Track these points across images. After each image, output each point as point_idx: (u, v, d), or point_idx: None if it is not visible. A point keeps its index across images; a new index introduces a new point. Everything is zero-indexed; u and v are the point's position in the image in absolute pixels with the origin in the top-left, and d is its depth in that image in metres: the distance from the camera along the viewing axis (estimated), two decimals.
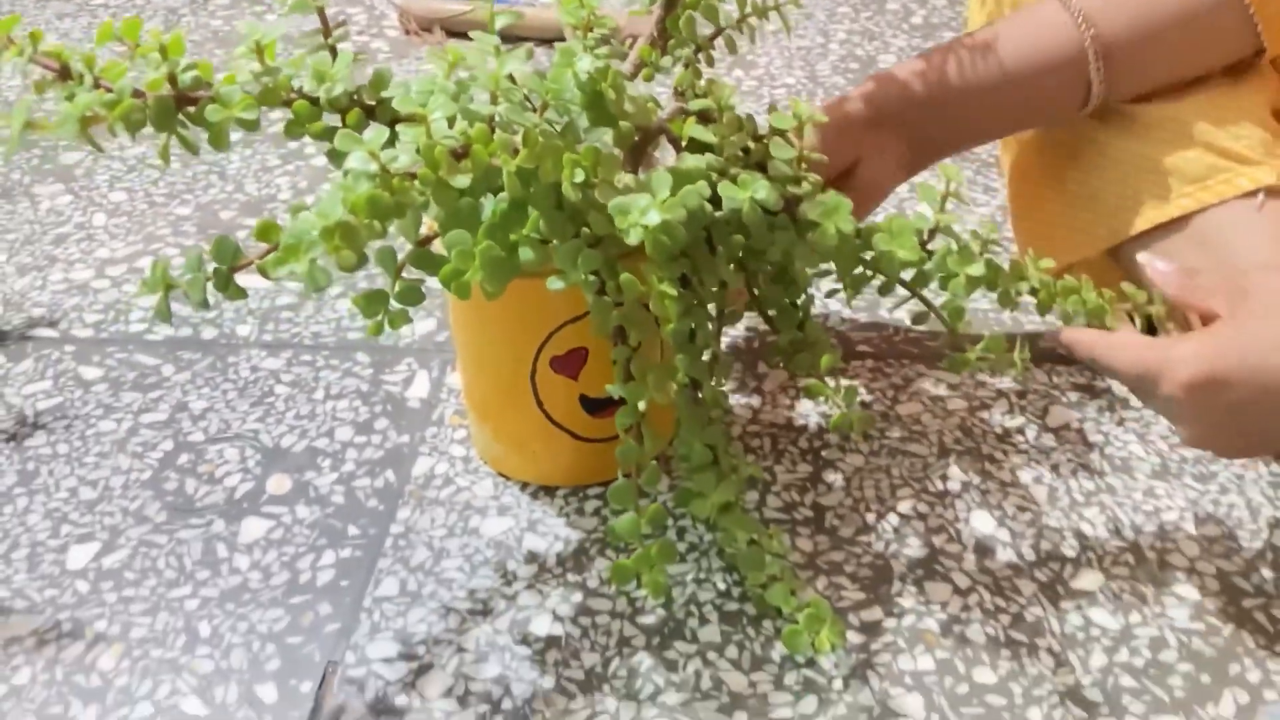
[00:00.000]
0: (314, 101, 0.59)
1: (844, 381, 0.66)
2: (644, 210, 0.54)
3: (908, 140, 0.79)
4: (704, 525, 0.74)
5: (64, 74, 0.56)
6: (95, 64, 0.56)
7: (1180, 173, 0.76)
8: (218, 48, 1.41)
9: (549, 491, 0.77)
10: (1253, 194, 0.74)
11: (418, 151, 0.53)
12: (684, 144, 0.66)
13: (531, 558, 0.72)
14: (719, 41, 0.71)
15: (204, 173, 1.15)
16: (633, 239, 0.54)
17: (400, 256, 0.58)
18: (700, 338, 0.63)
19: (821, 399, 0.66)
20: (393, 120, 0.60)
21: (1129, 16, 0.75)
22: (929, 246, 0.64)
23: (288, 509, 0.77)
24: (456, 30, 1.41)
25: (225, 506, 0.77)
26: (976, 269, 0.63)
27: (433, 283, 0.58)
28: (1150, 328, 0.72)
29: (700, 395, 0.64)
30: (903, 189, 1.09)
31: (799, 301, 0.69)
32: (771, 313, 0.69)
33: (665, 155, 0.71)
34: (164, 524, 0.76)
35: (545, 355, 0.71)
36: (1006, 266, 0.66)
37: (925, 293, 0.66)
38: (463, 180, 0.53)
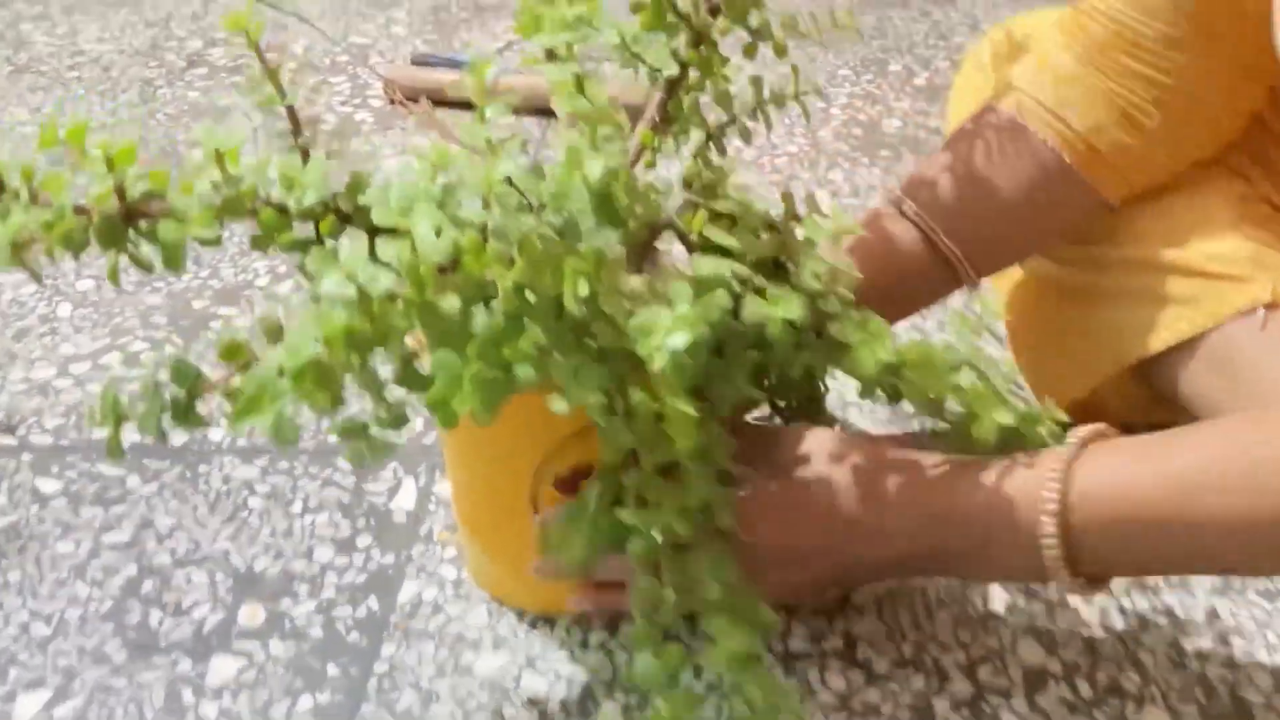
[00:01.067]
0: (283, 210, 0.53)
1: None
2: (668, 330, 0.47)
3: None
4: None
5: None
6: (34, 176, 0.49)
7: (1174, 299, 0.74)
8: (193, 121, 1.35)
9: (548, 620, 0.70)
10: (1251, 312, 0.71)
11: (400, 271, 0.47)
12: (694, 238, 0.60)
13: (531, 703, 0.65)
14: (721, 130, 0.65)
15: None
16: (658, 364, 0.48)
17: (383, 374, 0.51)
18: (716, 456, 0.57)
19: None
20: (372, 227, 0.53)
21: (968, 209, 0.72)
22: (955, 379, 0.59)
23: (260, 644, 0.69)
24: (441, 101, 1.35)
25: (192, 643, 0.70)
26: (1005, 416, 0.58)
27: None
28: None
29: (715, 523, 0.57)
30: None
31: (814, 396, 0.64)
32: (783, 404, 0.64)
33: (670, 247, 0.65)
34: (124, 665, 0.68)
35: (546, 473, 0.64)
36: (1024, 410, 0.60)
37: None
38: (452, 301, 0.47)
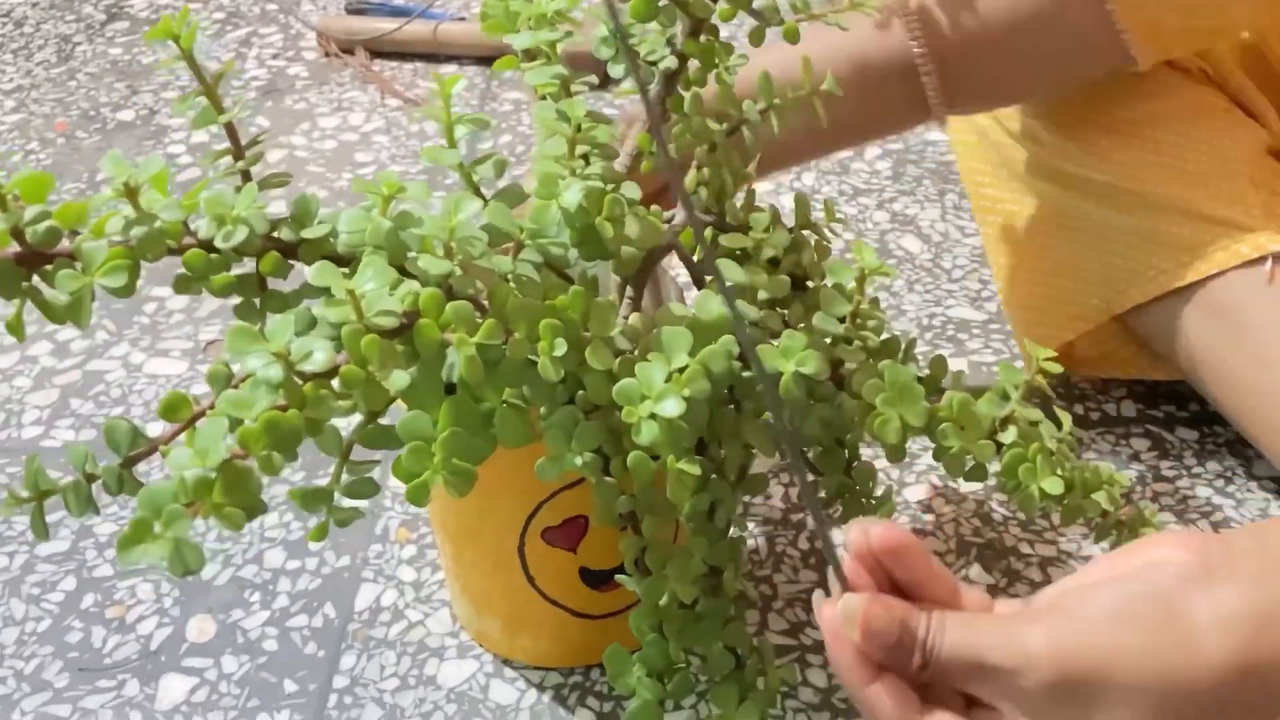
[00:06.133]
0: (212, 249, 0.45)
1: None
2: (660, 394, 0.43)
3: None
4: None
5: None
6: None
7: (1174, 242, 0.70)
8: (118, 80, 1.28)
9: None
10: (1258, 261, 0.68)
11: (338, 342, 0.41)
12: (696, 260, 0.55)
13: (502, 713, 0.62)
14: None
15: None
16: (644, 437, 0.43)
17: (348, 434, 0.45)
18: (721, 514, 0.51)
19: None
20: (323, 257, 0.47)
21: (964, 21, 0.64)
22: (1000, 436, 0.54)
23: (213, 661, 0.66)
24: (380, 51, 1.29)
25: (139, 661, 0.66)
26: (1053, 485, 0.53)
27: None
28: None
29: (721, 586, 0.52)
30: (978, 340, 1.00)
31: (846, 439, 0.55)
32: (811, 453, 0.56)
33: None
34: (66, 690, 0.64)
35: (536, 526, 0.58)
36: (1079, 476, 0.55)
37: None
38: (400, 378, 0.41)
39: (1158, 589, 0.39)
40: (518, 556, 0.59)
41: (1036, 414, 0.54)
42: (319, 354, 0.40)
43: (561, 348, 0.43)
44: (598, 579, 0.60)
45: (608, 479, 0.48)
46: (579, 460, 0.46)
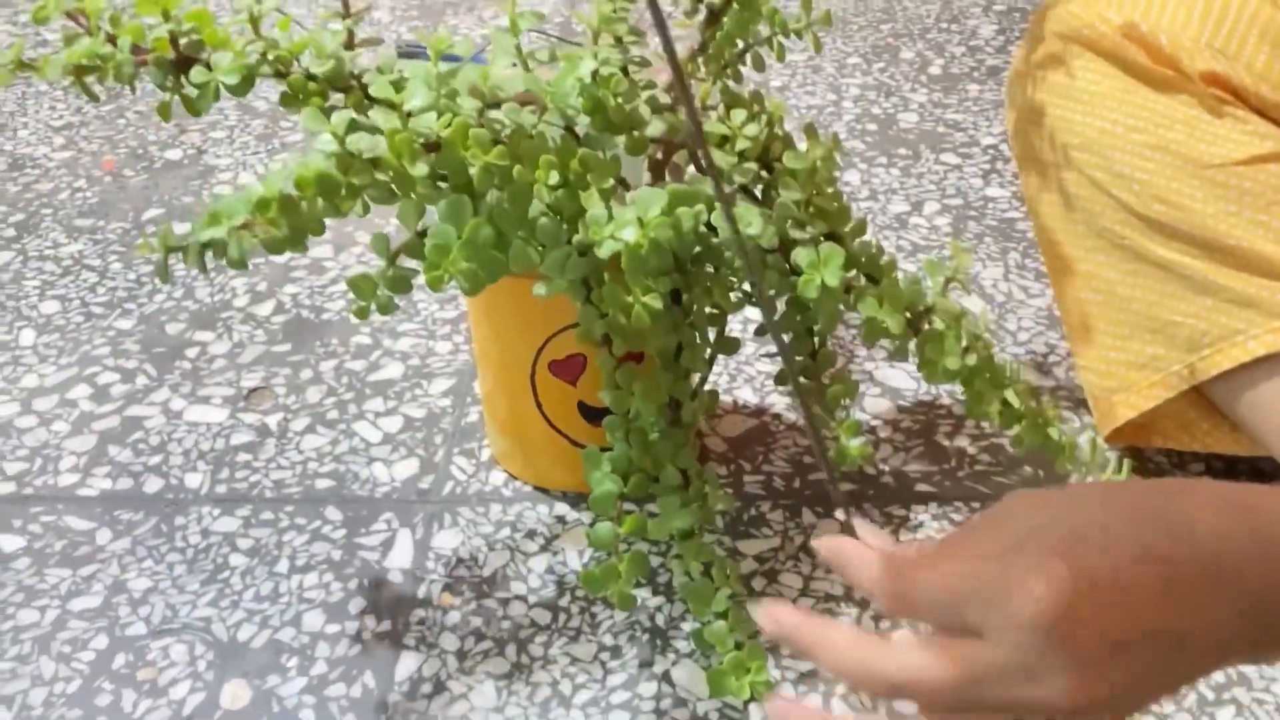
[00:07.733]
0: (311, 78, 0.57)
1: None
2: (621, 225, 0.52)
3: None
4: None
5: (89, 29, 0.57)
6: (121, 21, 0.56)
7: (1264, 305, 0.67)
8: (163, 121, 1.27)
9: (562, 701, 0.64)
10: None
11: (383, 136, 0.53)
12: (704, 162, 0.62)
13: None
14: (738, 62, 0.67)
15: (148, 275, 1.01)
16: (604, 251, 0.53)
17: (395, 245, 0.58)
18: (686, 357, 0.61)
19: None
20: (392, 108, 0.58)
21: None
22: (921, 325, 0.60)
23: None
24: None
25: None
26: (953, 363, 0.60)
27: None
28: None
29: (680, 416, 0.61)
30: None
31: (815, 328, 0.64)
32: (786, 336, 0.65)
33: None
34: None
35: (544, 358, 0.70)
36: (990, 368, 0.62)
37: None
38: (422, 169, 0.53)
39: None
40: (530, 384, 0.71)
41: (958, 308, 0.60)
42: (364, 140, 0.53)
43: (555, 178, 0.53)
44: (593, 414, 0.70)
45: (589, 305, 0.57)
46: (565, 286, 0.56)
